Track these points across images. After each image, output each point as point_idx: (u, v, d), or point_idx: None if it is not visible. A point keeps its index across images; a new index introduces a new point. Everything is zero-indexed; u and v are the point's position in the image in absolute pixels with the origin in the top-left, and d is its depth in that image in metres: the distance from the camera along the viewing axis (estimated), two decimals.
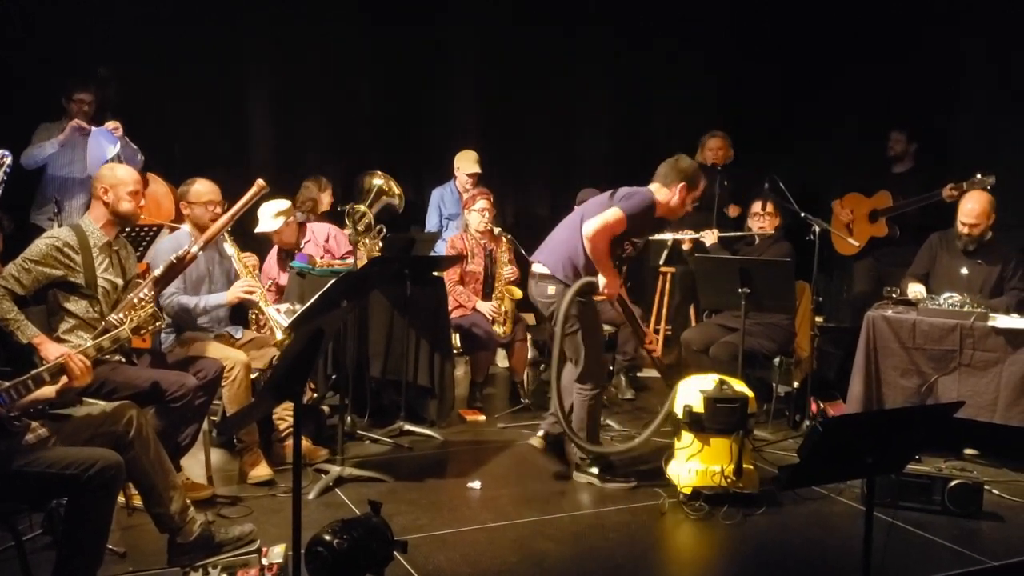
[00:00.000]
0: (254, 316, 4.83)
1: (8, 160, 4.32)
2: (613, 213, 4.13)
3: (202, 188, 4.29)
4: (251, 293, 4.20)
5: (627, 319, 4.69)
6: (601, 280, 4.20)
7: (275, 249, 5.43)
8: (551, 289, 4.27)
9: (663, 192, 4.29)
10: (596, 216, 4.14)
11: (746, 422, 3.98)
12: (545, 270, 4.30)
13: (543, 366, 6.37)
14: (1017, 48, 6.22)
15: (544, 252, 4.38)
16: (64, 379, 2.88)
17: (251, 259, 4.36)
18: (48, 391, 2.88)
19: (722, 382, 4.10)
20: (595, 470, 4.31)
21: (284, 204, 5.21)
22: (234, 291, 4.22)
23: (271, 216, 5.14)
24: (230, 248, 4.26)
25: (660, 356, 4.54)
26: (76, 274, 3.60)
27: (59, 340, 3.54)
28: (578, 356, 4.26)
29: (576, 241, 4.22)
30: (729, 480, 3.98)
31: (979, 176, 5.48)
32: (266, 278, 5.19)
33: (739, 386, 4.13)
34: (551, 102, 7.55)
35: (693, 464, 4.04)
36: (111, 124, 5.25)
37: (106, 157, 5.09)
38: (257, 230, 5.20)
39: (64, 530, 2.84)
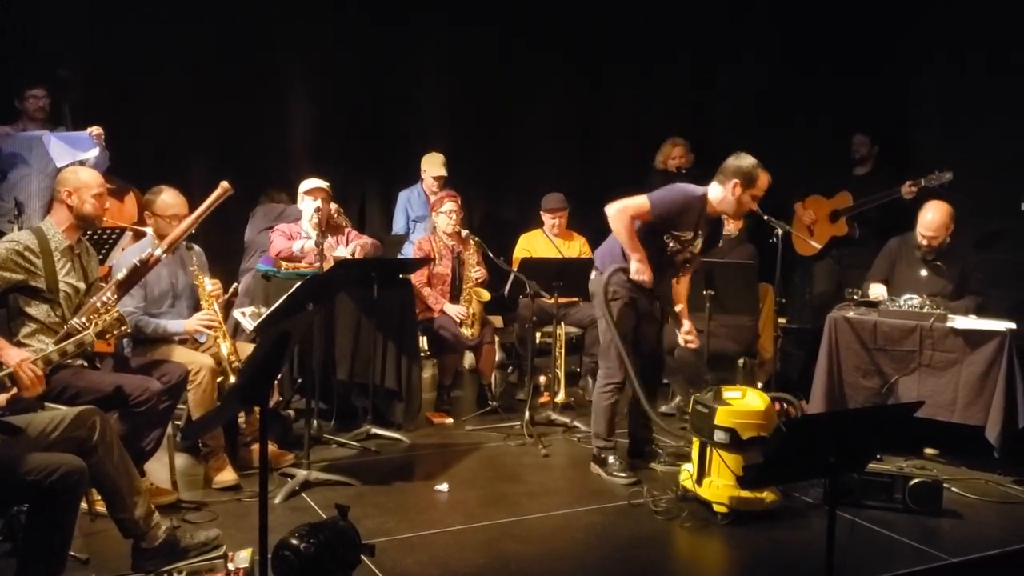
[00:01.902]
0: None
1: None
2: (637, 198, 4.25)
3: (169, 200, 4.15)
4: (210, 328, 4.12)
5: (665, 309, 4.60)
6: (632, 265, 4.26)
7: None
8: (592, 275, 4.54)
9: (717, 189, 4.26)
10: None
11: (712, 431, 3.92)
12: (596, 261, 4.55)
13: (510, 368, 6.39)
14: (972, 51, 6.36)
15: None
16: (14, 389, 2.84)
17: (216, 288, 4.20)
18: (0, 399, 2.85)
19: (719, 390, 4.08)
20: (612, 460, 4.44)
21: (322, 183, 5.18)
22: (192, 322, 4.13)
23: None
24: (195, 276, 4.19)
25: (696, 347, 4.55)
26: (37, 278, 3.54)
27: (20, 345, 3.48)
28: (602, 344, 4.45)
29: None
30: (692, 482, 4.02)
31: (937, 173, 5.59)
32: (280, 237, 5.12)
33: (758, 400, 4.01)
34: (519, 105, 7.57)
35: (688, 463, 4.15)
36: (94, 130, 5.18)
37: (64, 162, 5.01)
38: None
39: (25, 536, 2.80)
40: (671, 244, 4.34)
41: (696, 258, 4.49)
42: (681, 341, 4.47)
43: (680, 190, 4.29)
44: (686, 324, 4.47)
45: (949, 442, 4.72)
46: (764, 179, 4.24)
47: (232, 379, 4.02)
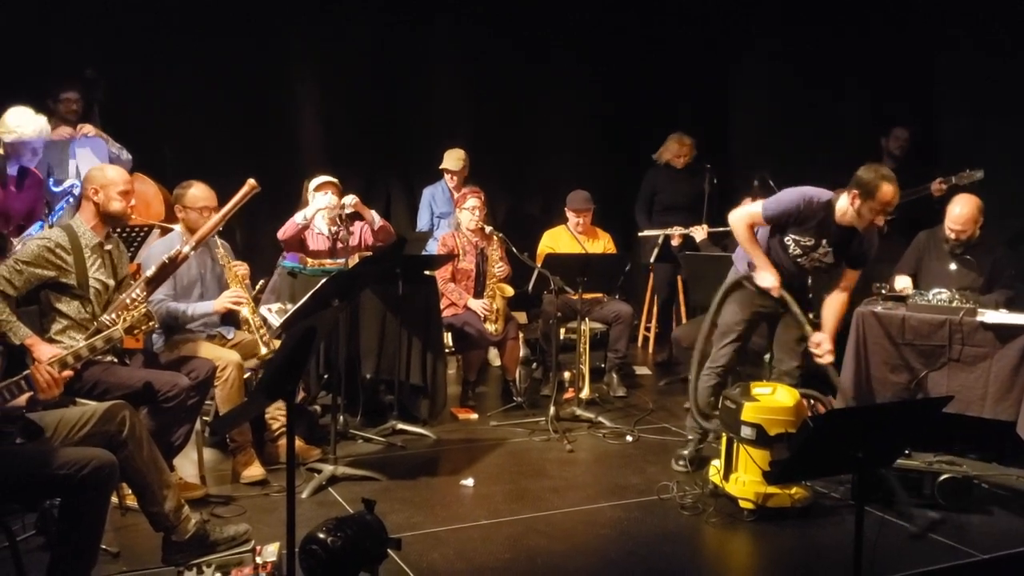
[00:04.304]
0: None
1: (76, 191, 4.37)
2: (752, 206, 4.37)
3: (198, 193, 4.23)
4: (239, 304, 4.16)
5: (796, 322, 4.39)
6: (758, 274, 4.29)
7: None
8: (731, 269, 4.61)
9: (843, 199, 4.15)
10: None
11: (739, 426, 3.91)
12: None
13: (535, 364, 6.39)
14: (1004, 44, 6.26)
15: None
16: (29, 392, 2.88)
17: (242, 268, 4.28)
18: (19, 401, 2.89)
19: (747, 386, 4.08)
20: (687, 450, 4.50)
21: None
22: (221, 301, 4.18)
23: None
24: (221, 257, 4.25)
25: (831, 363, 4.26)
26: (68, 275, 3.59)
27: (51, 341, 3.53)
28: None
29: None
30: (719, 478, 4.01)
31: (968, 171, 5.51)
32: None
33: (787, 396, 3.98)
34: (542, 102, 7.57)
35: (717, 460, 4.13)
36: (86, 128, 5.26)
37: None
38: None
39: (58, 531, 2.84)
40: (792, 247, 4.29)
41: (841, 269, 4.38)
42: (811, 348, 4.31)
43: (798, 194, 4.21)
44: (817, 336, 4.27)
45: (979, 437, 4.66)
46: (886, 192, 4.04)
47: (264, 351, 4.10)
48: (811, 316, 4.44)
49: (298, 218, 5.07)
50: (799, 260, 4.32)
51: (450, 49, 7.35)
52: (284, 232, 5.10)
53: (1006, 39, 6.21)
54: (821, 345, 4.25)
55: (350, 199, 5.17)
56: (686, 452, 4.51)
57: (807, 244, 4.26)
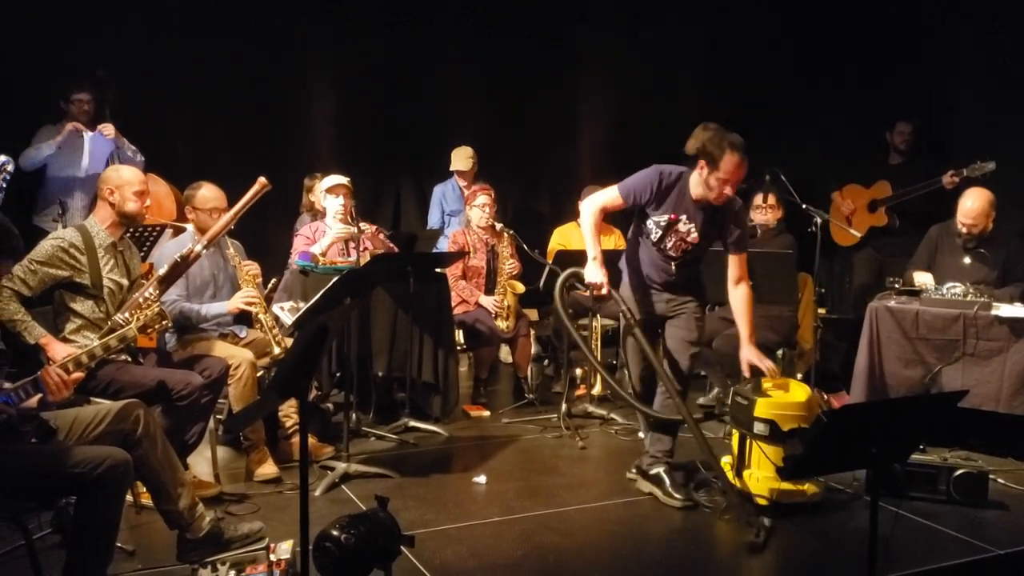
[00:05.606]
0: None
1: (9, 167, 4.37)
2: (608, 189, 3.95)
3: (208, 194, 4.25)
4: (252, 304, 4.19)
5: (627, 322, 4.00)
6: (587, 267, 3.87)
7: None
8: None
9: (696, 172, 3.81)
10: None
11: (752, 423, 3.87)
12: None
13: (546, 361, 6.38)
14: (1011, 36, 6.22)
15: None
16: (39, 394, 2.90)
17: (253, 268, 4.31)
18: (31, 403, 2.90)
19: (758, 382, 3.99)
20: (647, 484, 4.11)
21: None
22: (235, 301, 4.21)
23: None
24: (232, 257, 4.26)
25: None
26: (82, 275, 3.61)
27: (65, 340, 3.56)
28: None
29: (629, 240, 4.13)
30: (732, 474, 4.00)
31: (979, 163, 5.49)
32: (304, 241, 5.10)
33: (798, 392, 3.93)
34: (551, 99, 7.55)
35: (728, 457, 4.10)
36: (106, 130, 5.28)
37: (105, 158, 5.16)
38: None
39: (73, 529, 2.85)
40: (654, 231, 3.92)
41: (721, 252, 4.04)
42: (745, 372, 3.98)
43: (651, 168, 3.89)
44: (748, 353, 3.89)
45: (994, 432, 4.63)
46: (729, 161, 3.65)
47: (276, 349, 4.13)
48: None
49: (315, 249, 4.98)
50: (666, 245, 3.93)
51: (459, 46, 7.33)
52: (299, 255, 5.05)
53: (1007, 37, 6.17)
54: (760, 362, 3.90)
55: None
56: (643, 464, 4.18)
57: (665, 224, 3.87)
